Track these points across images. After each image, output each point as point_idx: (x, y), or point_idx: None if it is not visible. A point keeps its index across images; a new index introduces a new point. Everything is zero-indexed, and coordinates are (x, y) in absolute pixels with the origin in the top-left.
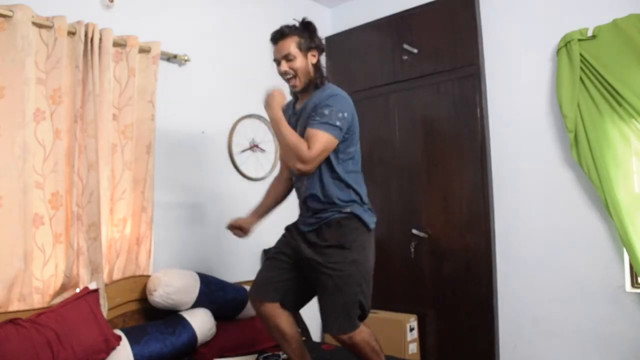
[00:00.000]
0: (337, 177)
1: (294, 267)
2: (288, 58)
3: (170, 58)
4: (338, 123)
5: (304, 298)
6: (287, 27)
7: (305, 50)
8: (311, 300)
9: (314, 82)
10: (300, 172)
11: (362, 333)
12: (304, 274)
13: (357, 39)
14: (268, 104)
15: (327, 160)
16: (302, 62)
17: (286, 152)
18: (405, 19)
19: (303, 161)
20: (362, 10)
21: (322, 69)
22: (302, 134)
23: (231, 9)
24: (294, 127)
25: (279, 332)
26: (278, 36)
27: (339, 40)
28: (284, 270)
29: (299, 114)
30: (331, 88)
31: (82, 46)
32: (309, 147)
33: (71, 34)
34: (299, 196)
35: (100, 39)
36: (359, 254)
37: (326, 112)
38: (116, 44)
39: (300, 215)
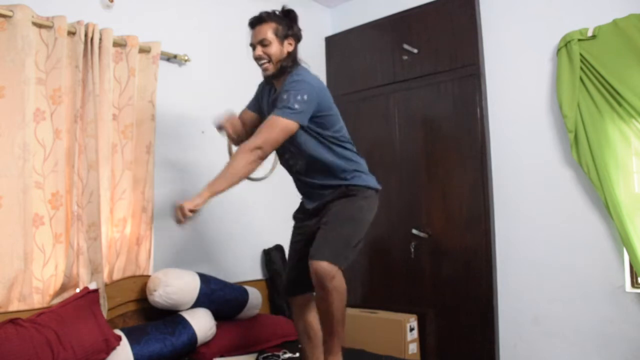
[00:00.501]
0: (334, 152)
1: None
2: (263, 43)
3: (170, 58)
4: (297, 106)
5: None
6: (266, 13)
7: (281, 37)
8: None
9: (286, 68)
10: (262, 158)
11: (344, 281)
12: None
13: (357, 39)
14: (187, 212)
15: (318, 140)
16: (277, 48)
17: (242, 173)
18: (405, 19)
19: (252, 153)
20: (362, 10)
21: (296, 57)
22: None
23: (231, 8)
24: (270, 111)
25: (306, 325)
26: (255, 21)
27: (339, 40)
28: (297, 264)
29: (274, 99)
30: (297, 73)
31: (82, 46)
32: (255, 134)
33: (71, 34)
34: (293, 173)
35: (100, 39)
36: (363, 204)
37: (284, 96)
38: (116, 44)
39: (305, 196)
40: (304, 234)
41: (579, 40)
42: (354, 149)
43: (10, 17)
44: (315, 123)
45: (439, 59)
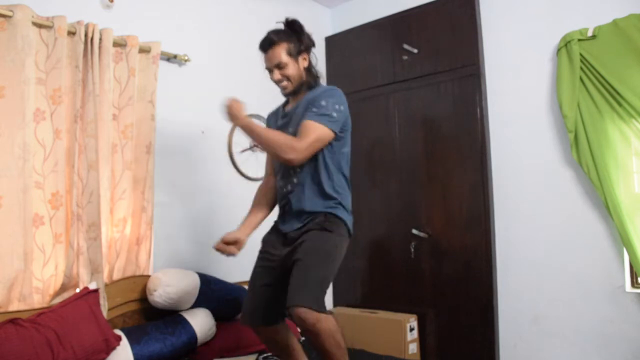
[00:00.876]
0: (330, 176)
1: (276, 281)
2: (280, 66)
3: (170, 58)
4: (335, 114)
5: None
6: (275, 33)
7: (295, 55)
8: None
9: (306, 84)
10: (291, 161)
11: (329, 321)
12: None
13: (357, 39)
14: (230, 115)
15: (322, 159)
16: (294, 68)
17: (271, 147)
18: (405, 19)
19: (294, 149)
20: (362, 10)
21: (314, 69)
22: (295, 134)
23: (231, 8)
24: (283, 129)
25: (277, 348)
26: (267, 45)
27: (338, 40)
28: (267, 290)
29: (291, 114)
30: (327, 86)
31: (82, 46)
32: (301, 137)
33: (71, 34)
34: (282, 198)
35: (100, 39)
36: (338, 242)
37: (323, 103)
38: (116, 44)
39: (281, 218)
40: (274, 261)
41: (579, 40)
42: (348, 180)
43: (10, 17)
44: (333, 144)
45: (439, 59)
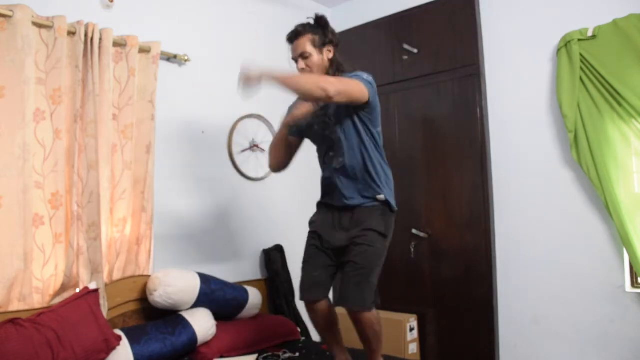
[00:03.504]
0: (375, 151)
1: (329, 260)
2: (304, 56)
3: (170, 58)
4: (366, 77)
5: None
6: (301, 25)
7: (320, 46)
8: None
9: (331, 75)
10: (330, 95)
11: (376, 314)
12: (339, 259)
13: (357, 39)
14: (260, 75)
15: (367, 134)
16: (318, 58)
17: (307, 86)
18: (405, 19)
19: (329, 82)
20: (362, 10)
21: (338, 62)
22: (323, 126)
23: (231, 9)
24: (311, 124)
25: (327, 324)
26: (293, 36)
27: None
28: (325, 265)
29: (318, 106)
30: (352, 72)
31: (82, 46)
32: (340, 80)
33: (71, 34)
34: (329, 172)
35: (100, 39)
36: (388, 243)
37: (352, 75)
38: (116, 44)
39: (329, 196)
40: (326, 243)
41: (579, 40)
42: (386, 160)
43: (10, 17)
44: (369, 116)
45: (439, 59)
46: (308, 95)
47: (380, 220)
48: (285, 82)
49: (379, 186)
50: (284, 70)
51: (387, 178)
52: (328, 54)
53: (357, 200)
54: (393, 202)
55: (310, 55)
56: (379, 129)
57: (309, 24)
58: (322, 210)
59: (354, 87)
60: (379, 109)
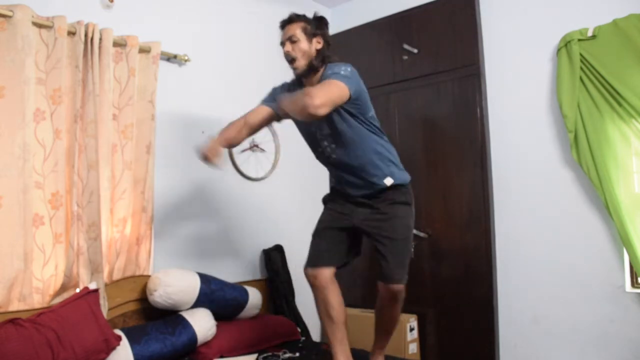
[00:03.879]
0: (373, 137)
1: (344, 236)
2: (292, 39)
3: (170, 58)
4: (343, 73)
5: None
6: (296, 14)
7: (310, 35)
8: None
9: (315, 67)
10: (312, 107)
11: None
12: (355, 239)
13: (357, 39)
14: (214, 146)
15: (359, 124)
16: (306, 45)
17: (296, 106)
18: (405, 19)
19: (312, 102)
20: (362, 10)
21: (326, 54)
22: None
23: (231, 9)
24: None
25: (326, 305)
26: (286, 21)
27: (339, 40)
28: (335, 241)
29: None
30: (334, 63)
31: (82, 46)
32: (318, 89)
33: (71, 34)
34: (331, 163)
35: (100, 39)
36: (414, 211)
37: (329, 72)
38: (116, 44)
39: (341, 183)
40: (343, 215)
41: (579, 40)
42: (386, 138)
43: (10, 17)
44: (356, 106)
45: (439, 59)
46: (299, 116)
47: (400, 195)
48: (289, 106)
49: (383, 170)
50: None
51: (391, 155)
52: (317, 44)
53: (367, 189)
54: (404, 177)
55: (298, 40)
56: (371, 113)
57: (304, 15)
58: (337, 192)
59: (334, 90)
60: (364, 95)
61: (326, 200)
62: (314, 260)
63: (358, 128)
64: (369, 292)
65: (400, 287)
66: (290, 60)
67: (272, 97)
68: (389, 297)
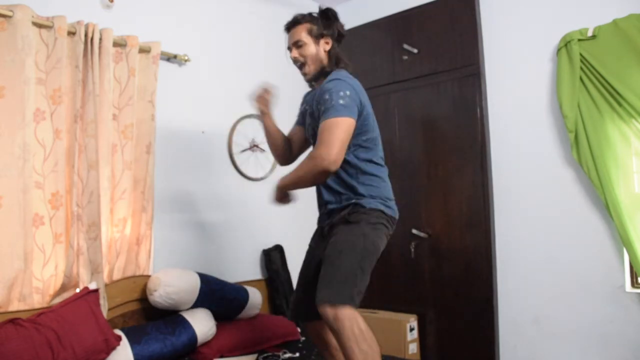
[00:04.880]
0: (350, 167)
1: (314, 276)
2: (298, 45)
3: (170, 58)
4: (341, 102)
5: None
6: (301, 15)
7: (316, 37)
8: None
9: (327, 70)
10: (327, 169)
11: (353, 315)
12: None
13: (357, 39)
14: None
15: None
16: (312, 49)
17: (307, 177)
18: (405, 19)
19: (325, 160)
20: (362, 10)
21: (337, 56)
22: (313, 124)
23: (231, 8)
24: (304, 118)
25: (323, 344)
26: (290, 24)
27: None
28: (306, 286)
29: (310, 102)
30: (333, 74)
31: (82, 46)
32: (323, 144)
33: (71, 34)
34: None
35: (100, 39)
36: (369, 229)
37: (326, 97)
38: (116, 44)
39: (320, 213)
40: (312, 256)
41: (579, 40)
42: (381, 170)
43: (10, 17)
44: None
45: (439, 59)
46: (316, 181)
47: (347, 213)
48: (291, 184)
49: (356, 198)
50: (284, 176)
51: (374, 188)
52: (325, 45)
53: (334, 204)
54: (383, 207)
55: (305, 44)
56: (367, 136)
57: (310, 14)
58: (317, 227)
59: (339, 134)
60: (365, 115)
61: (311, 240)
62: (298, 313)
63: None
64: (369, 292)
65: (325, 309)
66: (299, 66)
67: (301, 114)
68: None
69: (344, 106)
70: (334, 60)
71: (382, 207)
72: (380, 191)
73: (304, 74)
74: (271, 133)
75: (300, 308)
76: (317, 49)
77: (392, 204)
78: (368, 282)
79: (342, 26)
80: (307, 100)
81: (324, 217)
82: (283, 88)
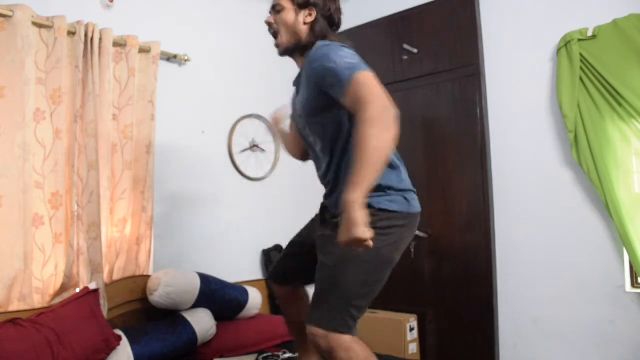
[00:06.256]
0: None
1: (308, 251)
2: (276, 9)
3: (170, 58)
4: (351, 60)
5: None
6: None
7: (299, 5)
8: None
9: (304, 45)
10: (395, 115)
11: (349, 345)
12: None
13: (357, 39)
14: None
15: (336, 122)
16: (290, 17)
17: (380, 143)
18: (405, 19)
19: (382, 106)
20: (362, 10)
21: (323, 33)
22: (305, 103)
23: (231, 9)
24: (295, 98)
25: (289, 316)
26: None
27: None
28: (297, 258)
29: (298, 83)
30: (319, 42)
31: (82, 46)
32: (364, 100)
33: (71, 34)
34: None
35: (100, 39)
36: (379, 236)
37: (331, 65)
38: (116, 44)
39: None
40: (309, 232)
41: (579, 40)
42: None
43: (10, 17)
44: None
45: (439, 59)
46: (391, 146)
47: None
48: (365, 179)
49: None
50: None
51: (387, 178)
52: (307, 17)
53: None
54: (398, 205)
55: (283, 9)
56: None
57: None
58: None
59: (374, 85)
60: None
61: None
62: (276, 274)
63: (346, 132)
64: None
65: (313, 330)
66: (273, 34)
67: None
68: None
69: (357, 62)
70: (317, 34)
71: (395, 207)
72: (395, 179)
73: (276, 46)
74: (293, 144)
75: (281, 274)
76: (296, 19)
77: (411, 195)
78: (379, 292)
79: (337, 9)
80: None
81: (327, 191)
82: (283, 88)
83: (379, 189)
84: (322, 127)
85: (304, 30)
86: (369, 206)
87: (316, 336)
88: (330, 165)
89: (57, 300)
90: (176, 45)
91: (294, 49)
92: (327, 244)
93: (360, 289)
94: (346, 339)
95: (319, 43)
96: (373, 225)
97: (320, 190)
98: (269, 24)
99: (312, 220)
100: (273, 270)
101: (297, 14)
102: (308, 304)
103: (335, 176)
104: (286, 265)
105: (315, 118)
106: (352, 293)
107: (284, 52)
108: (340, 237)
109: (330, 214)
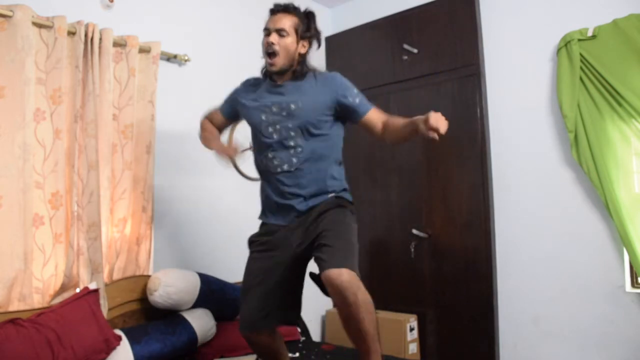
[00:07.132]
0: (336, 160)
1: (278, 280)
2: (281, 33)
3: (170, 58)
4: (355, 89)
5: (296, 296)
6: (293, 6)
7: (300, 35)
8: (302, 293)
9: (294, 70)
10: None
11: (367, 294)
12: (291, 273)
13: (357, 39)
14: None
15: (334, 141)
16: (292, 43)
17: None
18: (405, 19)
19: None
20: (362, 10)
21: (307, 62)
22: (288, 107)
23: (231, 8)
24: (269, 102)
25: (272, 354)
26: (280, 9)
27: (339, 40)
28: (267, 293)
29: (283, 88)
30: (325, 72)
31: (82, 46)
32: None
33: (71, 34)
34: (274, 173)
35: (100, 39)
36: (354, 220)
37: (355, 91)
38: (116, 44)
39: (271, 211)
40: (280, 264)
41: (579, 40)
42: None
43: (10, 17)
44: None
45: (439, 59)
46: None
47: (335, 198)
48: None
49: (334, 191)
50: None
51: (345, 184)
52: (302, 48)
53: (319, 197)
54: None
55: (287, 36)
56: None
57: (301, 10)
58: (265, 232)
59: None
60: None
61: (252, 240)
62: (254, 323)
63: (338, 141)
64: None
65: (340, 272)
66: (271, 53)
67: (230, 105)
68: (336, 297)
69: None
70: (303, 64)
71: (351, 200)
72: (346, 184)
73: (270, 64)
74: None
75: (254, 316)
76: (295, 47)
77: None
78: None
79: (318, 33)
80: (260, 89)
81: (291, 211)
82: None
83: (345, 189)
84: (320, 135)
85: (297, 58)
86: (345, 199)
87: (351, 281)
88: (310, 169)
89: (57, 300)
90: (176, 45)
91: (285, 71)
92: (331, 216)
93: (356, 251)
94: (361, 284)
95: (325, 72)
96: (350, 209)
97: None
98: (270, 44)
99: (267, 255)
100: (249, 319)
101: (297, 43)
102: (282, 341)
103: (315, 177)
104: (262, 307)
105: (316, 122)
106: (356, 252)
107: (278, 71)
108: (433, 119)
109: (310, 207)
